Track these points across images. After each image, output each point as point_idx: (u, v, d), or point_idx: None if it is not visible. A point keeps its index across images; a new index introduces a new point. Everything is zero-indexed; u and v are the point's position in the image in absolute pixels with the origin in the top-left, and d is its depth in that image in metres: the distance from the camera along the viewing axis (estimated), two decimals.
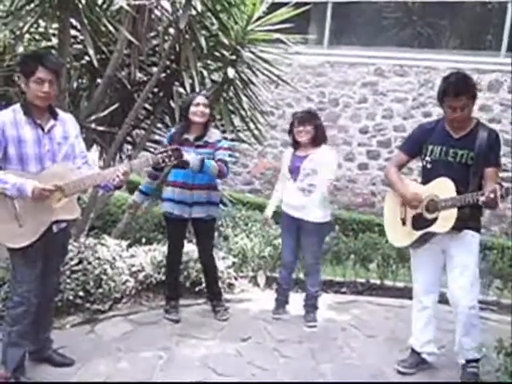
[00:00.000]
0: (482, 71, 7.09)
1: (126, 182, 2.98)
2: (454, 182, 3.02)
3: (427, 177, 3.22)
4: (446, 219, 3.04)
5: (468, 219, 3.05)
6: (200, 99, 3.79)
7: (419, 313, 3.39)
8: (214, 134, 3.88)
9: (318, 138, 3.90)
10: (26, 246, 2.78)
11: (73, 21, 4.17)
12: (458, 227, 3.05)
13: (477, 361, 3.18)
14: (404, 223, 3.28)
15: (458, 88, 3.03)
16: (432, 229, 3.12)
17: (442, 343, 3.52)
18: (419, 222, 3.19)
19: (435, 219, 3.10)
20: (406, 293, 4.71)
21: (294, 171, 3.88)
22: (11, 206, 2.75)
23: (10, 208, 2.75)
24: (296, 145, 3.96)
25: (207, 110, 3.80)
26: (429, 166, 3.21)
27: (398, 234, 3.34)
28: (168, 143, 3.77)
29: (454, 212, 3.00)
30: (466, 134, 3.11)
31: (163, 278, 4.19)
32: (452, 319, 3.38)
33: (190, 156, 3.57)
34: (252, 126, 4.97)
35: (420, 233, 3.18)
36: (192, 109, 3.76)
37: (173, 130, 3.98)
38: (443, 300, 3.42)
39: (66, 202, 2.84)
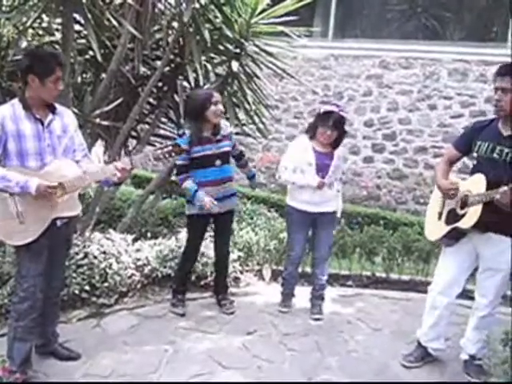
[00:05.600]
0: (488, 63, 7.02)
1: (128, 177, 2.99)
2: (496, 180, 2.92)
3: (473, 173, 3.15)
4: (470, 215, 3.00)
5: (506, 223, 2.95)
6: (217, 97, 3.71)
7: (430, 310, 3.36)
8: (225, 126, 3.90)
9: (340, 141, 3.92)
10: (27, 243, 2.79)
11: (76, 15, 4.15)
12: (495, 230, 3.00)
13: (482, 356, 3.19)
14: (440, 217, 3.26)
15: (505, 67, 2.96)
16: (458, 224, 3.08)
17: (447, 336, 3.50)
18: (451, 217, 3.16)
19: (464, 215, 3.06)
20: (412, 286, 4.75)
21: (323, 169, 3.82)
22: (12, 203, 2.75)
23: (11, 206, 2.76)
24: (313, 137, 3.89)
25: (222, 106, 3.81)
26: (475, 162, 3.16)
27: (432, 227, 3.34)
28: (188, 145, 3.67)
29: (478, 208, 2.95)
30: None
31: (169, 271, 4.20)
32: (461, 313, 3.40)
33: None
34: (256, 119, 4.96)
35: (448, 228, 3.15)
36: (212, 108, 3.67)
37: (186, 131, 3.77)
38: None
39: (68, 199, 2.85)
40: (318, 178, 3.79)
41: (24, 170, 2.75)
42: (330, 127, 3.76)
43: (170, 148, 2.96)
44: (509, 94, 2.92)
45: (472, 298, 3.37)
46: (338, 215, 4.03)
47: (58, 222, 2.90)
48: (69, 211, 2.91)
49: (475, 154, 3.14)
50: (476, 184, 3.02)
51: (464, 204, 3.08)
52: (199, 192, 3.68)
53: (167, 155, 2.97)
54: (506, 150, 2.98)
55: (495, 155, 3.02)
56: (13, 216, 2.76)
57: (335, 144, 3.89)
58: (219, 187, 3.79)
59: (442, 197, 3.26)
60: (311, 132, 3.89)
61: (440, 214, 3.27)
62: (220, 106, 3.73)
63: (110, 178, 2.90)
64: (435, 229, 3.29)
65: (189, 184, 3.72)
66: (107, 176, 2.89)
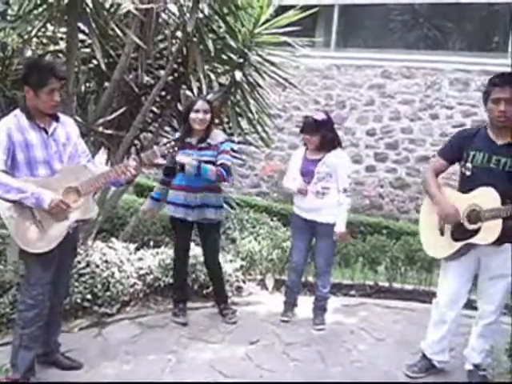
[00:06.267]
0: (489, 72, 7.01)
1: (137, 176, 3.05)
2: (500, 191, 2.89)
3: (467, 184, 3.08)
4: (489, 230, 2.91)
5: (509, 231, 2.92)
6: (199, 105, 3.75)
7: (438, 324, 3.29)
8: (217, 136, 3.87)
9: (328, 144, 3.86)
10: (49, 251, 2.80)
11: (81, 25, 4.18)
12: (508, 241, 2.96)
13: (486, 366, 3.16)
14: (442, 233, 3.13)
15: (506, 78, 2.94)
16: (474, 240, 2.98)
17: (451, 346, 3.46)
18: (459, 233, 3.04)
19: (477, 230, 2.96)
20: (415, 295, 4.73)
21: (307, 174, 3.85)
22: (30, 212, 2.77)
23: (29, 214, 2.77)
24: (307, 146, 3.96)
25: (207, 116, 3.76)
26: (468, 172, 3.07)
27: (436, 245, 3.20)
28: None
29: (498, 223, 2.87)
30: (510, 142, 2.99)
31: (171, 281, 4.18)
32: (465, 323, 3.37)
33: (187, 160, 3.62)
34: (259, 128, 4.97)
35: (460, 244, 3.04)
36: (192, 115, 3.75)
37: (177, 134, 3.96)
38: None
39: (83, 202, 2.87)
40: (298, 184, 3.83)
41: (36, 180, 2.76)
42: (306, 132, 3.85)
43: (173, 143, 3.13)
44: None
45: (475, 308, 3.36)
46: (340, 230, 3.82)
47: (70, 230, 2.90)
48: (85, 214, 2.92)
49: (469, 165, 3.07)
50: (485, 197, 2.93)
51: (476, 219, 2.97)
52: (150, 203, 4.05)
53: (171, 150, 3.11)
54: (504, 160, 2.96)
55: (492, 165, 2.99)
56: (32, 224, 2.77)
57: (326, 148, 3.86)
58: (195, 195, 3.78)
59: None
60: (303, 141, 4.01)
61: (442, 231, 3.14)
62: (200, 115, 3.73)
63: (120, 177, 2.95)
64: (441, 246, 3.16)
65: (156, 192, 4.02)
66: (118, 175, 2.93)
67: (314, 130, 3.81)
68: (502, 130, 3.01)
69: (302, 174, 3.89)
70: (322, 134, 3.82)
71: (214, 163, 3.77)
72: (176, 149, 3.16)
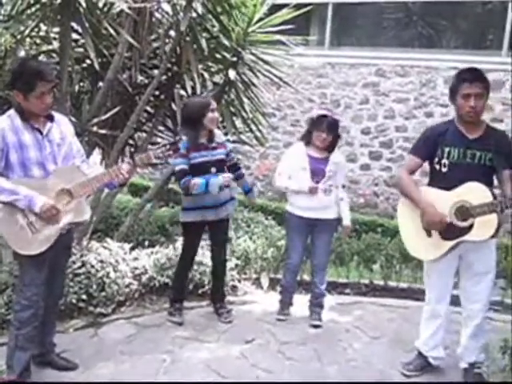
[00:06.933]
0: (484, 71, 7.02)
1: (130, 179, 3.06)
2: None
3: (443, 180, 3.07)
4: (485, 226, 2.90)
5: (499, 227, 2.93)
6: (214, 105, 3.77)
7: (430, 320, 3.31)
8: (219, 135, 3.91)
9: (335, 145, 3.95)
10: (41, 252, 2.79)
11: (74, 24, 4.17)
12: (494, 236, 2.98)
13: (481, 363, 3.17)
14: (429, 234, 3.08)
15: (474, 74, 3.00)
16: (468, 237, 2.96)
17: (445, 344, 3.47)
18: (450, 232, 3.00)
19: (469, 227, 2.95)
20: (410, 293, 4.73)
21: (317, 173, 3.86)
22: (22, 214, 2.76)
23: (21, 216, 2.76)
24: (309, 144, 3.93)
25: None
26: (444, 169, 3.07)
27: (424, 246, 3.13)
28: (186, 151, 3.70)
29: (494, 218, 2.87)
30: (481, 136, 3.03)
31: (167, 280, 4.18)
32: (456, 320, 3.38)
33: (210, 184, 3.66)
34: (254, 127, 4.97)
35: (453, 243, 3.01)
36: (210, 115, 3.70)
37: (183, 137, 3.79)
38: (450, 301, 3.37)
39: (75, 205, 2.87)
40: (309, 183, 3.83)
41: (29, 181, 2.75)
42: (325, 130, 3.82)
43: (169, 147, 3.11)
44: (482, 100, 2.98)
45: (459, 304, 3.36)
46: (348, 223, 3.97)
47: (62, 230, 2.90)
48: (77, 217, 2.92)
49: (445, 161, 3.06)
50: (474, 193, 2.93)
51: (466, 215, 2.95)
52: (211, 179, 3.66)
53: (167, 154, 3.09)
54: (479, 154, 2.99)
55: (468, 160, 3.02)
56: (24, 227, 2.77)
57: (330, 148, 3.92)
58: (209, 195, 3.76)
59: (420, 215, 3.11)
60: (306, 138, 3.96)
61: (428, 231, 3.08)
62: (216, 114, 3.77)
63: (114, 179, 2.94)
64: (430, 247, 3.11)
65: (196, 180, 3.65)
66: (112, 178, 2.92)
67: (333, 130, 3.86)
68: (471, 125, 3.05)
69: (312, 173, 3.86)
70: (336, 135, 3.92)
71: (225, 161, 3.87)
72: (172, 153, 3.12)
